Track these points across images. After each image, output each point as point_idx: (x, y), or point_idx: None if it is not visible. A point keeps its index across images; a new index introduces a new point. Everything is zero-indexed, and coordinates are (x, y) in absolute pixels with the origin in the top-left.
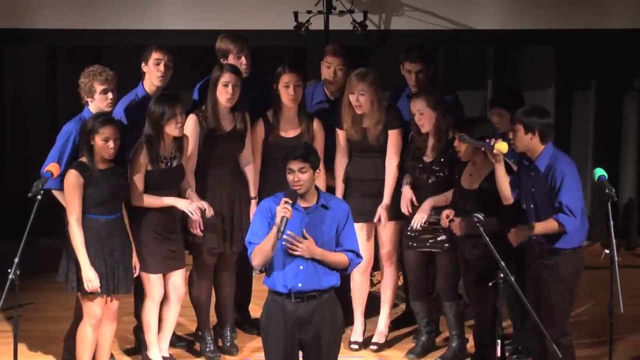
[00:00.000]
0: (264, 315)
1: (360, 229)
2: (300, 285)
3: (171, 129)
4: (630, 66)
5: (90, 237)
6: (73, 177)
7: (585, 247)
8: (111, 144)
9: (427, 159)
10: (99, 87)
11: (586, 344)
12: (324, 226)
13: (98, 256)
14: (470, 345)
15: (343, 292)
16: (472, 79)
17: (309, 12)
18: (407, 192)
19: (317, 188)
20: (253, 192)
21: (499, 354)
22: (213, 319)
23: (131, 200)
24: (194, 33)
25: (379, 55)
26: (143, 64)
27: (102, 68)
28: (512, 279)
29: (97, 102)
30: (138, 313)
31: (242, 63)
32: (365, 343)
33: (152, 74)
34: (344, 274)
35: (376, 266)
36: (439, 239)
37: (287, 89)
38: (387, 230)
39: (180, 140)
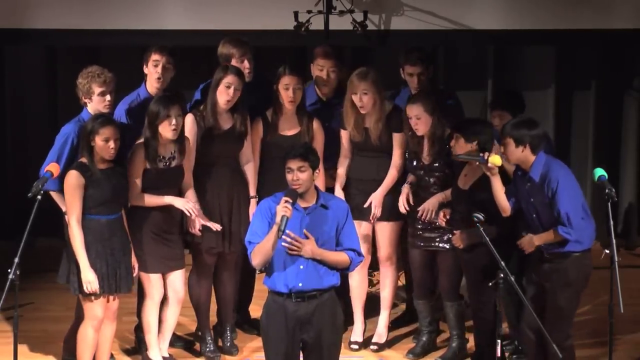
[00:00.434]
0: (265, 316)
1: (358, 227)
2: (300, 284)
3: (165, 130)
4: (630, 66)
5: (92, 238)
6: (74, 178)
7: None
8: (111, 144)
9: (425, 160)
10: (97, 89)
11: (586, 344)
12: (324, 226)
13: (99, 256)
14: (471, 346)
15: (342, 292)
16: (472, 79)
17: (309, 12)
18: (404, 190)
19: (316, 188)
20: (252, 191)
21: (499, 354)
22: (213, 319)
23: (129, 199)
24: (194, 33)
25: (379, 55)
26: (144, 66)
27: (101, 70)
28: (512, 279)
29: (94, 104)
30: (140, 312)
31: (245, 67)
32: (365, 343)
33: (151, 75)
34: (343, 274)
35: (376, 266)
36: (442, 238)
37: (286, 91)
38: (384, 231)
39: (180, 142)
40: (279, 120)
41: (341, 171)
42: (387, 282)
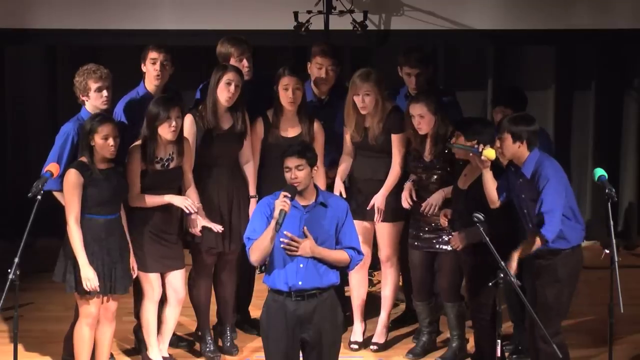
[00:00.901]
0: (265, 315)
1: (358, 227)
2: (300, 283)
3: (164, 131)
4: (630, 66)
5: (89, 237)
6: (73, 177)
7: (585, 247)
8: (111, 141)
9: (427, 159)
10: (93, 85)
11: (586, 344)
12: (323, 224)
13: (96, 256)
14: (471, 346)
15: (342, 292)
16: (472, 79)
17: (309, 12)
18: (407, 187)
19: (315, 186)
20: (252, 191)
21: (499, 354)
22: (213, 319)
23: (129, 200)
24: (194, 33)
25: (379, 55)
26: (142, 64)
27: (96, 66)
28: (512, 279)
29: (92, 101)
30: (138, 313)
31: (244, 66)
32: (365, 343)
33: (149, 73)
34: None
35: (376, 266)
36: (442, 239)
37: (286, 92)
38: (384, 232)
39: (179, 143)
40: (280, 120)
41: (343, 167)
42: (388, 283)
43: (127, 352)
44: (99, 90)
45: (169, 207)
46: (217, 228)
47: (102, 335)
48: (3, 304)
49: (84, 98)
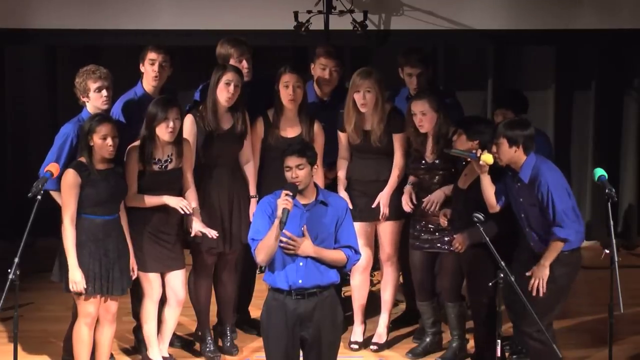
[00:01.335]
0: (265, 313)
1: (359, 229)
2: (300, 281)
3: (162, 132)
4: (630, 66)
5: (86, 237)
6: (70, 177)
7: (585, 247)
8: (109, 141)
9: (429, 159)
10: (92, 85)
11: (586, 344)
12: (323, 222)
13: (93, 256)
14: (471, 346)
15: (340, 292)
16: (472, 79)
17: (309, 12)
18: (407, 190)
19: (315, 185)
20: (253, 191)
21: (499, 354)
22: (213, 319)
23: (126, 201)
24: (194, 33)
25: (379, 55)
26: (140, 64)
27: (96, 67)
28: (512, 279)
29: (92, 101)
30: (136, 314)
31: (244, 67)
32: (365, 343)
33: (148, 74)
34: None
35: (376, 266)
36: (443, 239)
37: (286, 89)
38: (386, 230)
39: (179, 144)
40: (280, 120)
41: (342, 174)
42: (388, 283)
43: (127, 352)
44: (99, 90)
45: (167, 207)
46: (212, 234)
47: (102, 336)
48: (3, 304)
49: (84, 99)
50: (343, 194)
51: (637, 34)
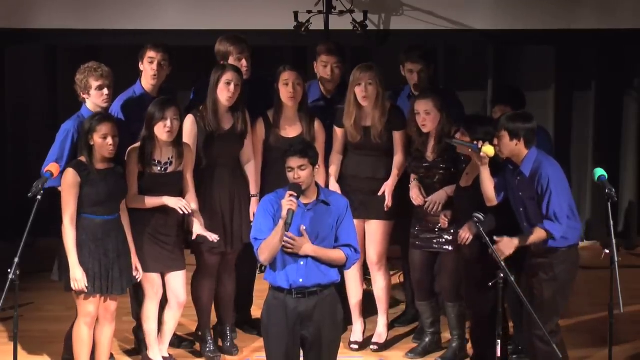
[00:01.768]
0: (265, 312)
1: (358, 226)
2: (301, 280)
3: (160, 132)
4: (630, 66)
5: (86, 237)
6: (70, 176)
7: (585, 247)
8: (110, 140)
9: (429, 158)
10: (94, 83)
11: (586, 344)
12: (324, 222)
13: (92, 256)
14: (471, 346)
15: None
16: (472, 79)
17: (309, 12)
18: (415, 184)
19: (317, 184)
20: (253, 190)
21: (499, 354)
22: (213, 319)
23: (126, 201)
24: (194, 33)
25: (379, 55)
26: (140, 63)
27: (98, 64)
28: (512, 279)
29: (93, 99)
30: (136, 314)
31: (243, 65)
32: (365, 343)
33: (147, 72)
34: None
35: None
36: (444, 239)
37: (286, 87)
38: (375, 230)
39: (179, 146)
40: (280, 120)
41: (333, 169)
42: (380, 285)
43: (127, 352)
44: (100, 88)
45: (166, 208)
46: (213, 237)
47: (102, 336)
48: (3, 304)
49: (84, 96)
50: (335, 186)
51: (637, 34)
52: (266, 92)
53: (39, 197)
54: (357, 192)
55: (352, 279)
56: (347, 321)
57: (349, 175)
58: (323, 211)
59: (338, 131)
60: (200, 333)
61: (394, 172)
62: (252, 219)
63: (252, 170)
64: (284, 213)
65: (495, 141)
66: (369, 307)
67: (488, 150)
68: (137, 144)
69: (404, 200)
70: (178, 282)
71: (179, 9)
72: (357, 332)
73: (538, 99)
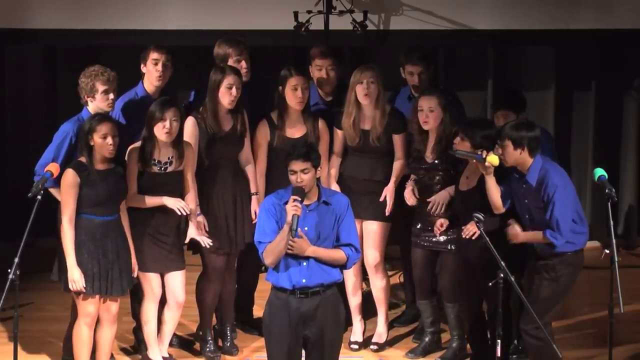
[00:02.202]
0: (267, 312)
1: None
2: (304, 281)
3: (159, 132)
4: (630, 66)
5: (85, 237)
6: (70, 177)
7: (585, 247)
8: (110, 140)
9: (428, 159)
10: (100, 87)
11: (586, 344)
12: (326, 222)
13: (92, 256)
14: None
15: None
16: (472, 79)
17: (309, 12)
18: (409, 184)
19: (318, 184)
20: (253, 188)
21: (499, 354)
22: (213, 318)
23: (126, 201)
24: (194, 33)
25: (379, 55)
26: (142, 65)
27: (104, 68)
28: (512, 278)
29: (97, 102)
30: (135, 314)
31: (242, 66)
32: (365, 343)
33: (151, 74)
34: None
35: None
36: (445, 238)
37: (295, 92)
38: (372, 230)
39: (179, 146)
40: (285, 122)
41: (333, 171)
42: (379, 287)
43: (127, 352)
44: (106, 92)
45: (166, 208)
46: (206, 242)
47: (103, 337)
48: (3, 304)
49: (88, 99)
50: (335, 188)
51: (637, 34)
52: (266, 92)
53: (39, 197)
54: (355, 193)
55: (352, 279)
56: (347, 321)
57: (348, 176)
58: (324, 211)
59: (339, 133)
60: (200, 333)
61: (395, 177)
62: (253, 217)
63: (251, 170)
64: (289, 218)
65: (499, 150)
66: (369, 307)
67: (492, 159)
68: (138, 143)
69: (403, 201)
70: (177, 282)
71: (180, 9)
72: (357, 332)
73: (538, 99)
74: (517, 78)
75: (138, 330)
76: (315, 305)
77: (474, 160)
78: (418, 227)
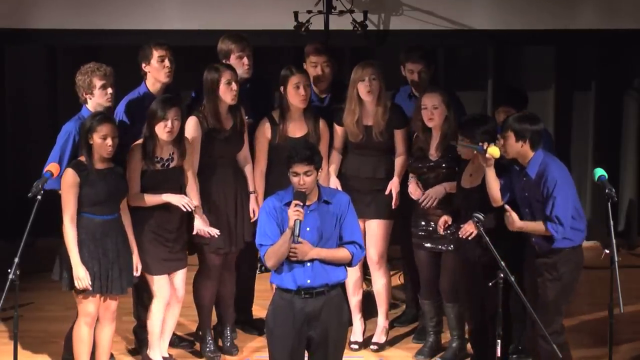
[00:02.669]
0: (271, 313)
1: None
2: (309, 281)
3: (160, 131)
4: (630, 66)
5: (85, 236)
6: (69, 176)
7: (585, 247)
8: (109, 141)
9: (433, 157)
10: (98, 83)
11: (586, 344)
12: (327, 221)
13: (92, 255)
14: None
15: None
16: (472, 79)
17: (309, 12)
18: (412, 179)
19: (317, 184)
20: (252, 187)
21: (499, 354)
22: (213, 318)
23: (128, 200)
24: (194, 33)
25: (379, 55)
26: (144, 64)
27: (99, 64)
28: (512, 278)
29: (96, 98)
30: (137, 314)
31: (245, 63)
32: (365, 343)
33: (158, 71)
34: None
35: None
36: (445, 238)
37: (297, 90)
38: (375, 228)
39: (180, 144)
40: (287, 121)
41: (333, 168)
42: (380, 284)
43: (127, 352)
44: (104, 87)
45: (169, 206)
46: (214, 232)
47: (102, 336)
48: (3, 304)
49: (87, 96)
50: (335, 183)
51: (637, 34)
52: (267, 91)
53: (39, 197)
54: (358, 191)
55: (353, 279)
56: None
57: (350, 176)
58: (325, 211)
59: (338, 129)
60: (200, 333)
61: (398, 172)
62: (251, 215)
63: (250, 169)
64: (291, 223)
65: (501, 141)
66: (369, 307)
67: (493, 151)
68: (140, 141)
69: (403, 201)
70: (179, 279)
71: (179, 9)
72: (357, 332)
73: (538, 99)
74: (517, 78)
75: (138, 330)
76: (320, 305)
77: (475, 152)
78: (419, 228)
